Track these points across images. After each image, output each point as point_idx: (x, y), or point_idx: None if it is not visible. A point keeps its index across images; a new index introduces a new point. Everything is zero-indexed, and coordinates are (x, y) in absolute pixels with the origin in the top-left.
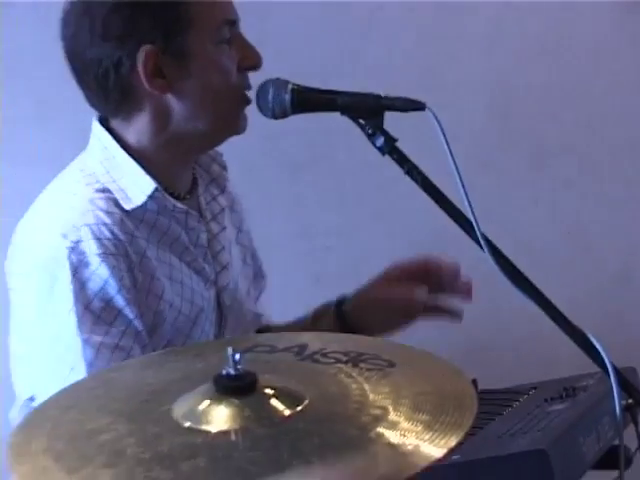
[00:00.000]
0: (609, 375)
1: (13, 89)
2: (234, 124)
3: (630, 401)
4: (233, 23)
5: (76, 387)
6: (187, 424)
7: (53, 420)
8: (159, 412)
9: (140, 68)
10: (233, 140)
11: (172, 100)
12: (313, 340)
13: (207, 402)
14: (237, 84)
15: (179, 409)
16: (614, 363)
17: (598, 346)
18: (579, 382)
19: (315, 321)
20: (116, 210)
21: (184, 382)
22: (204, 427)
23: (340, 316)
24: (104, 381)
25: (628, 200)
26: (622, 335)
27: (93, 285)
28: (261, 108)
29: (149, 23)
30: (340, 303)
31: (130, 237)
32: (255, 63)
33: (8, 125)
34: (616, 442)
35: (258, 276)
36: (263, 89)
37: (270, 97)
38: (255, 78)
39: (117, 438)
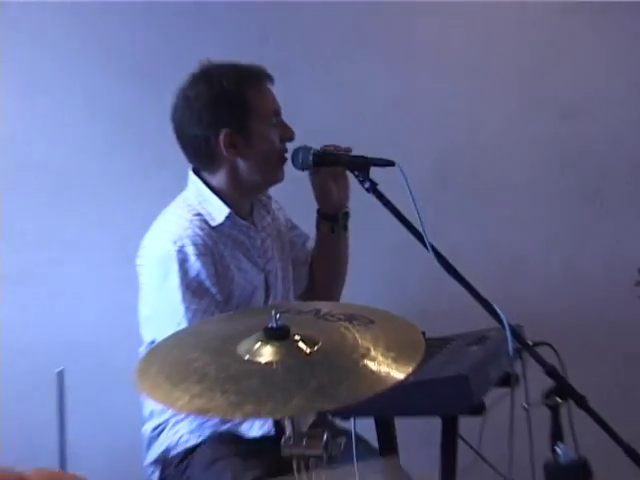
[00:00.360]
0: (505, 328)
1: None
2: (277, 176)
3: (518, 345)
4: (278, 112)
5: (179, 334)
6: (246, 357)
7: (164, 354)
8: (230, 349)
9: (221, 143)
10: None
11: (240, 162)
12: (324, 306)
13: (259, 344)
14: (279, 151)
15: (242, 347)
16: (508, 321)
17: (498, 310)
18: (487, 333)
19: (322, 237)
20: (205, 226)
21: (245, 331)
22: (257, 359)
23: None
24: (197, 331)
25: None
26: (515, 303)
27: (191, 273)
28: (294, 164)
29: (226, 115)
30: (318, 212)
31: (214, 243)
32: (291, 137)
33: (136, 170)
34: (508, 370)
35: (304, 237)
36: (295, 152)
37: (300, 158)
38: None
39: (203, 365)
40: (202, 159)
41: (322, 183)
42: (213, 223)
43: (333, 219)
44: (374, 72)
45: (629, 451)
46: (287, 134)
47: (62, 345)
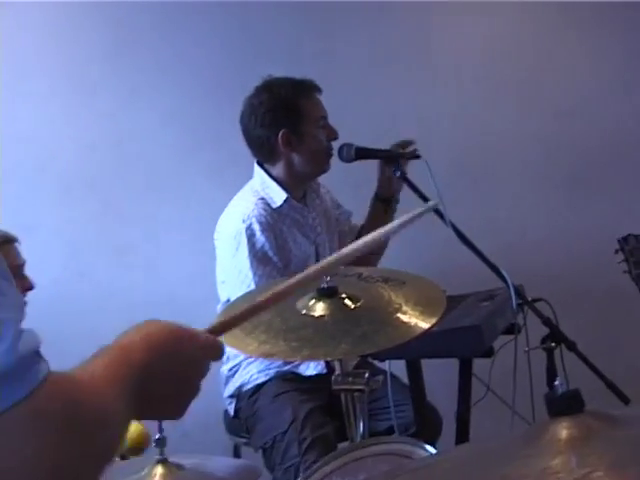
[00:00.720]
0: (509, 287)
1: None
2: (324, 168)
3: (520, 300)
4: (325, 116)
5: (250, 294)
6: (303, 311)
7: (238, 309)
8: (290, 306)
9: (279, 141)
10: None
11: (295, 156)
12: (364, 271)
13: (313, 301)
14: (326, 148)
15: (299, 304)
16: (512, 281)
17: (504, 272)
18: (495, 291)
19: (374, 216)
20: (268, 208)
21: (302, 291)
22: (311, 313)
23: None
24: (264, 291)
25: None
26: (517, 267)
27: (257, 245)
28: (340, 157)
29: (284, 119)
30: (375, 195)
31: (274, 221)
32: (335, 137)
33: (214, 165)
34: (513, 321)
35: (347, 213)
36: (341, 148)
37: (344, 152)
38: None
39: (269, 318)
40: (264, 154)
41: (388, 174)
42: (274, 205)
43: (387, 202)
44: (400, 80)
45: (610, 385)
46: (332, 135)
47: (158, 304)
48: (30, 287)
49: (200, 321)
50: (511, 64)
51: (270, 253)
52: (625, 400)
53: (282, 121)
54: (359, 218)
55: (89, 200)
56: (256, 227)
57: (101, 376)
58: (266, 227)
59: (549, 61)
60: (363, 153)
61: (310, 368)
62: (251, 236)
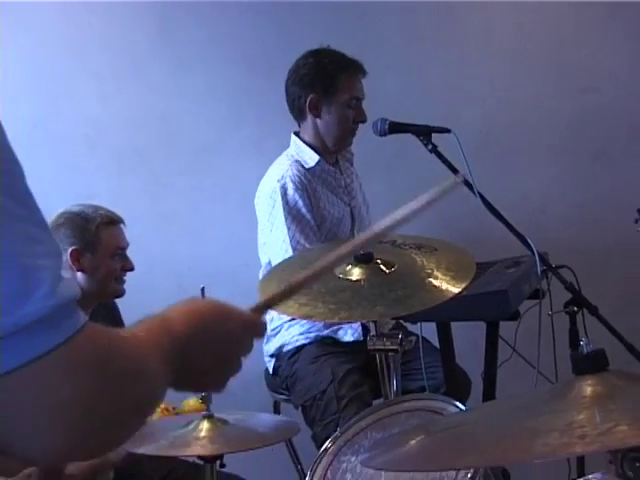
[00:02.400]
0: (534, 254)
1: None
2: (344, 142)
3: (544, 267)
4: (359, 98)
5: (289, 260)
6: (341, 276)
7: (279, 273)
8: None
9: (307, 104)
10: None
11: (319, 122)
12: (398, 238)
13: (350, 266)
14: (349, 127)
15: (337, 269)
16: (537, 249)
17: (529, 240)
18: (521, 258)
19: None
20: (301, 169)
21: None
22: (348, 277)
23: None
24: (302, 257)
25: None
26: (542, 235)
27: (291, 204)
28: (374, 131)
29: (318, 85)
30: None
31: (308, 181)
32: (363, 120)
33: (256, 138)
34: (537, 286)
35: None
36: (375, 122)
37: (379, 126)
38: (372, 114)
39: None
40: (294, 112)
41: None
42: (307, 166)
43: None
44: (432, 58)
45: (630, 347)
46: (360, 117)
47: (202, 270)
48: (131, 268)
49: (241, 286)
50: (538, 43)
51: (304, 210)
52: None
53: (316, 87)
54: (389, 194)
55: (138, 172)
56: (290, 186)
57: (141, 337)
58: (299, 186)
59: (573, 41)
60: (396, 127)
61: (348, 334)
62: (285, 194)
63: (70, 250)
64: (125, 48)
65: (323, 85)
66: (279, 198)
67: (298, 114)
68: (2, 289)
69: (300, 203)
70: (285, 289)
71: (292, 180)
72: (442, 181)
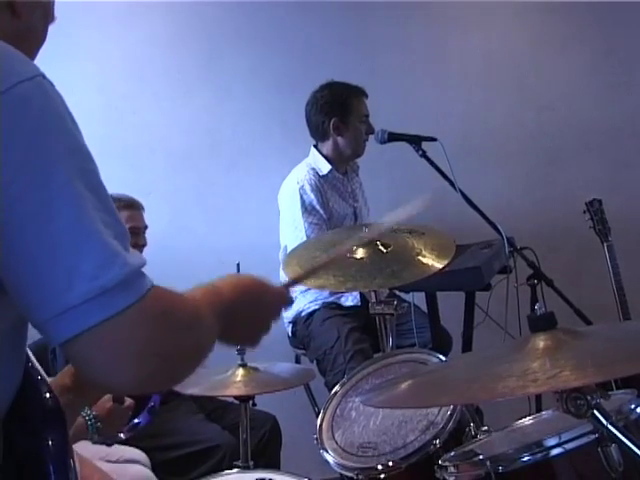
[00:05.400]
0: (503, 238)
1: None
2: (360, 152)
3: (511, 248)
4: (367, 115)
5: (307, 242)
6: (348, 254)
7: (299, 252)
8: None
9: (331, 127)
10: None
11: (340, 140)
12: (395, 225)
13: (355, 247)
14: (363, 140)
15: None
16: (505, 233)
17: (499, 227)
18: (493, 241)
19: None
20: (316, 175)
21: (346, 239)
22: (354, 256)
23: None
24: (317, 240)
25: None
26: (510, 223)
27: (307, 201)
28: (376, 140)
29: (337, 110)
30: None
31: (321, 185)
32: (372, 132)
33: (283, 147)
34: (505, 263)
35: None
36: (377, 133)
37: (379, 135)
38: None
39: (321, 257)
40: (318, 135)
41: None
42: (321, 173)
43: None
44: (423, 82)
45: (577, 311)
46: (369, 130)
47: (239, 253)
48: (143, 244)
49: (270, 263)
50: (505, 71)
51: (317, 207)
52: (588, 322)
53: (335, 112)
54: (389, 189)
55: (188, 172)
56: (307, 187)
57: (197, 298)
58: (314, 188)
59: (534, 68)
60: (394, 136)
61: (348, 300)
62: (303, 194)
63: None
64: (180, 74)
65: (341, 110)
66: (297, 197)
67: (322, 136)
68: (92, 260)
69: (314, 201)
70: (307, 270)
71: (309, 183)
72: (418, 199)
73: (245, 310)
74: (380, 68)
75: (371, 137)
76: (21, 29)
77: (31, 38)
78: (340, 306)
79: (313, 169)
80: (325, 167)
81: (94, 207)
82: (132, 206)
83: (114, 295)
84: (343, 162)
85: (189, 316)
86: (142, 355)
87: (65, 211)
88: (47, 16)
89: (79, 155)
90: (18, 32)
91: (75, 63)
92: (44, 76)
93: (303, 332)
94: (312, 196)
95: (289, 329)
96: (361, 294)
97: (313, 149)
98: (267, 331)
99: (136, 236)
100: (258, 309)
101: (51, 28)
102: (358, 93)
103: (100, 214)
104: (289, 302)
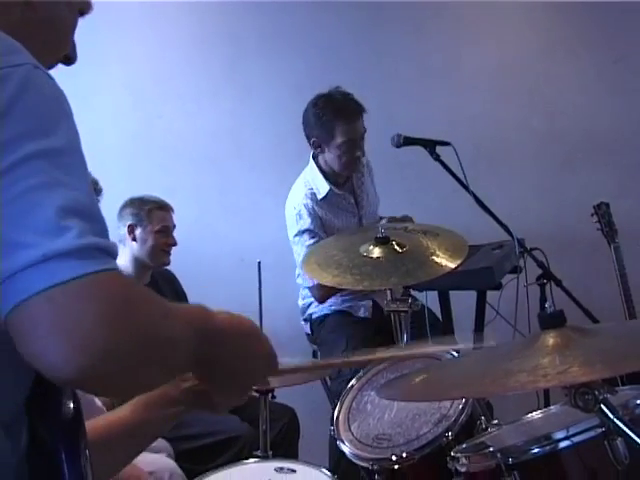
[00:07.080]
0: (514, 239)
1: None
2: (348, 172)
3: (522, 249)
4: (352, 139)
5: (328, 241)
6: (364, 254)
7: (319, 252)
8: (355, 250)
9: (312, 143)
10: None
11: (327, 155)
12: (410, 225)
13: (371, 246)
14: (348, 162)
15: (362, 249)
16: (516, 235)
17: (511, 229)
18: (504, 242)
19: None
20: (314, 198)
21: (364, 240)
22: (370, 255)
23: None
24: (336, 239)
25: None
26: (521, 225)
27: (304, 222)
28: (392, 144)
29: (317, 129)
30: None
31: (319, 208)
32: (358, 156)
33: (291, 155)
34: (516, 263)
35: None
36: (393, 137)
37: (395, 140)
38: (390, 130)
39: (339, 258)
40: (312, 146)
41: None
42: (319, 196)
43: None
44: (437, 89)
45: (585, 311)
46: (359, 151)
47: (258, 248)
48: (173, 243)
49: (288, 260)
50: (517, 78)
51: (315, 230)
52: (595, 321)
53: (315, 132)
54: (403, 192)
55: (211, 173)
56: (303, 212)
57: (176, 306)
58: (312, 212)
59: (545, 75)
60: (409, 140)
61: (360, 311)
62: (299, 218)
63: (127, 224)
64: (204, 78)
65: (320, 132)
66: (294, 222)
67: (313, 148)
68: (38, 229)
69: (311, 226)
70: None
71: (306, 208)
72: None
73: (234, 349)
74: (397, 75)
75: (387, 141)
76: (35, 20)
77: (51, 28)
78: (351, 315)
79: (311, 190)
80: (323, 187)
81: (61, 184)
82: (164, 207)
83: (60, 264)
84: (339, 175)
85: (154, 312)
86: (87, 338)
87: (20, 184)
88: (73, 5)
89: (53, 136)
90: (30, 22)
91: (101, 65)
92: (36, 66)
93: (316, 332)
94: (309, 221)
95: (306, 327)
96: (373, 306)
97: (312, 161)
98: (246, 390)
99: (167, 236)
100: (248, 351)
101: (76, 29)
102: (347, 115)
103: (67, 192)
104: (276, 369)
